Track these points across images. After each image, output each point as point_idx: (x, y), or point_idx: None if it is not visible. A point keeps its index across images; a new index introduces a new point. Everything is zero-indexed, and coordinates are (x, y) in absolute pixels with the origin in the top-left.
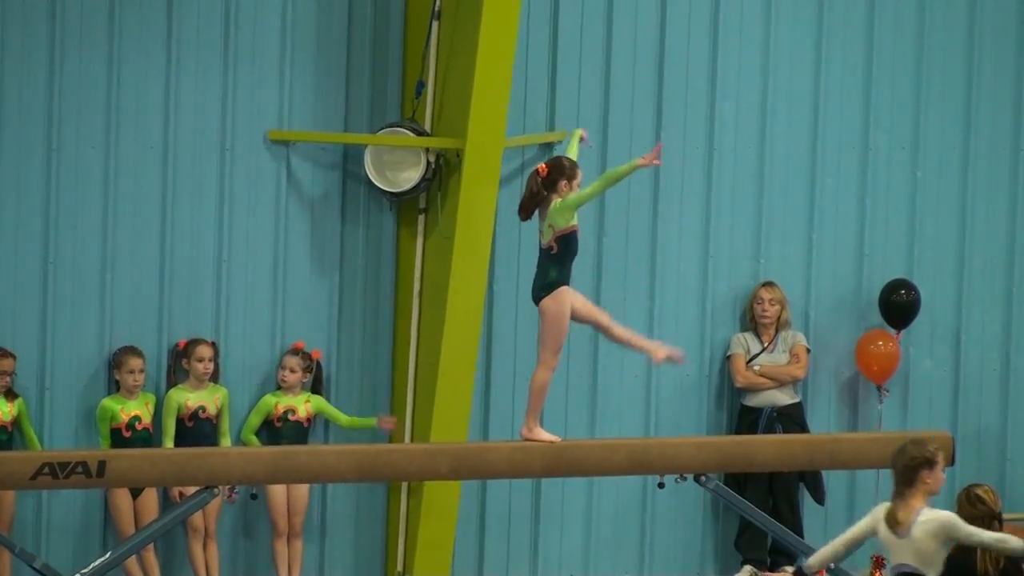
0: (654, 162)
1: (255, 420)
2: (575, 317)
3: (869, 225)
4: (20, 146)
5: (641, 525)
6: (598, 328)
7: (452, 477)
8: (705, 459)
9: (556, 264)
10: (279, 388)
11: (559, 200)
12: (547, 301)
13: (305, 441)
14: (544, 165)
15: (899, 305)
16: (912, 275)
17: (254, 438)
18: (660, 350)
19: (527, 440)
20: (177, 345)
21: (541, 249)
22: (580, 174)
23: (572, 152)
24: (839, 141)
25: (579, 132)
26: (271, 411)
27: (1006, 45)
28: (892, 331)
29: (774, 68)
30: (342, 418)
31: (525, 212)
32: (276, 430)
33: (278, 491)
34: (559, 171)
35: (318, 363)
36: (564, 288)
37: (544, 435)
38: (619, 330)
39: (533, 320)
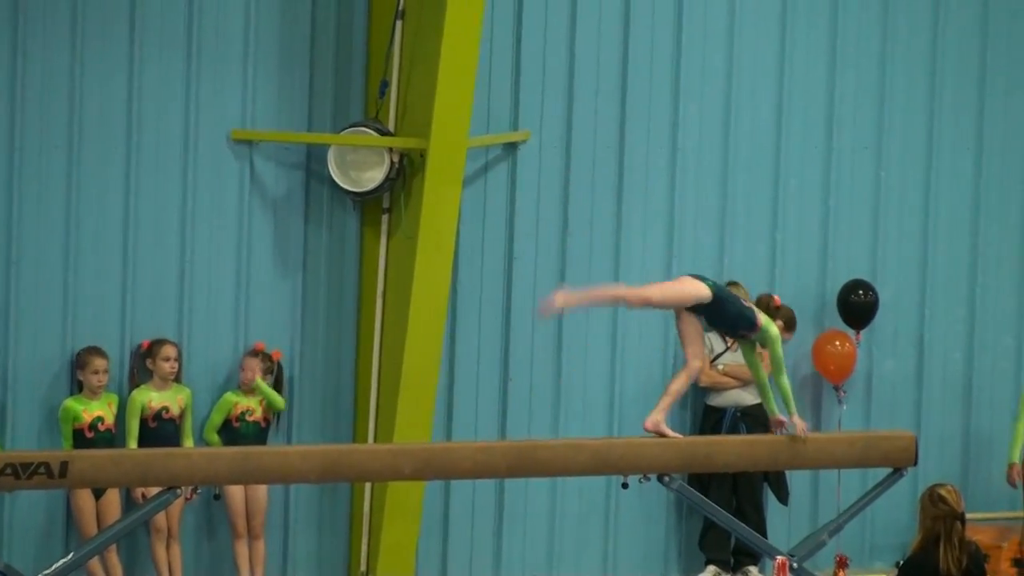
0: (803, 431)
1: (217, 418)
2: (683, 336)
3: (832, 225)
4: None
5: (605, 525)
6: (686, 359)
7: (415, 477)
8: (669, 459)
9: (731, 299)
10: (240, 388)
11: (776, 330)
12: (692, 279)
13: (264, 441)
14: (780, 301)
15: (857, 306)
16: (875, 275)
17: (216, 437)
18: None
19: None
20: (141, 345)
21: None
22: (793, 335)
23: (790, 402)
24: (802, 141)
25: (794, 422)
26: (231, 410)
27: (969, 46)
28: (852, 332)
29: (737, 69)
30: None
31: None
32: (234, 430)
33: (236, 492)
34: (785, 315)
35: (279, 364)
36: (707, 292)
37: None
38: (679, 383)
39: (496, 319)
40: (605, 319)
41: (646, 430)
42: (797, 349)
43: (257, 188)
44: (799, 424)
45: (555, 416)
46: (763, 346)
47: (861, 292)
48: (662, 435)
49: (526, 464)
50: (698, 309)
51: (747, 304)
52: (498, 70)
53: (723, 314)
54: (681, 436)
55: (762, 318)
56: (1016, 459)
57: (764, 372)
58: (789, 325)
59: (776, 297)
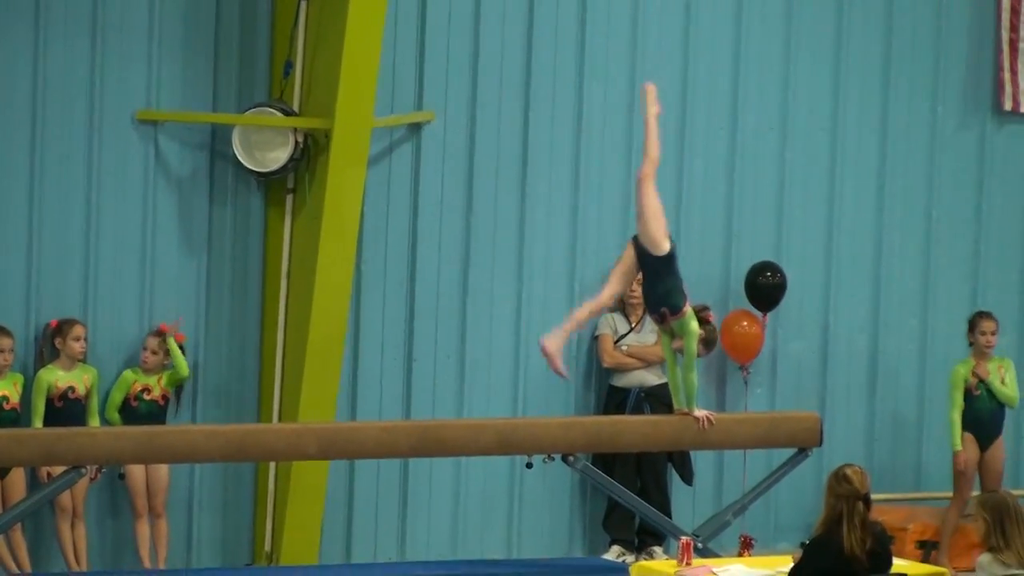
0: (708, 421)
1: (117, 397)
2: (616, 269)
3: (737, 206)
4: None
5: (509, 505)
6: (599, 294)
7: (320, 457)
8: (573, 439)
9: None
10: (140, 367)
11: (697, 329)
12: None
13: (163, 420)
14: (713, 318)
15: (765, 287)
16: (780, 256)
17: (117, 415)
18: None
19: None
20: (49, 325)
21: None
22: (709, 354)
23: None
24: (707, 122)
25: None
26: (129, 388)
27: (874, 23)
28: (759, 313)
29: (642, 48)
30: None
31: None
32: (132, 409)
33: (137, 471)
34: (710, 330)
35: (182, 347)
36: (667, 238)
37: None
38: (584, 312)
39: (400, 300)
40: (510, 300)
41: (541, 347)
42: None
43: (162, 168)
44: (699, 415)
45: (459, 397)
46: (679, 336)
47: (769, 274)
48: (550, 359)
49: (430, 444)
50: (645, 259)
51: (685, 291)
52: (402, 50)
53: (661, 278)
54: (566, 371)
55: (688, 308)
56: (960, 446)
57: (678, 369)
58: (708, 343)
59: (710, 313)
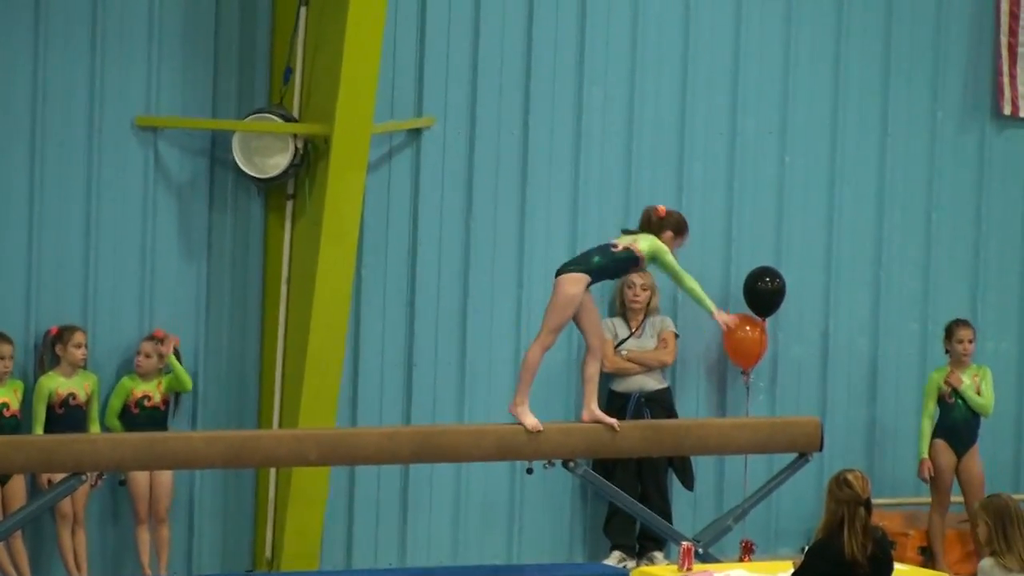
0: (727, 324)
1: (116, 403)
2: (578, 320)
3: (737, 210)
4: None
5: (510, 511)
6: (586, 344)
7: (320, 463)
8: (573, 444)
9: (602, 261)
10: (136, 373)
11: (659, 242)
12: (565, 278)
13: (164, 426)
14: (664, 209)
15: (764, 293)
16: (779, 261)
17: (117, 422)
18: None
19: (512, 413)
20: (49, 331)
21: (607, 243)
22: (688, 237)
23: (704, 303)
24: (707, 126)
25: (718, 318)
26: (128, 395)
27: (873, 27)
28: (758, 318)
29: (641, 52)
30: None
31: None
32: (133, 416)
33: (141, 477)
34: (672, 222)
35: (177, 350)
36: (586, 278)
37: (528, 417)
38: (592, 368)
39: (400, 305)
40: (509, 305)
41: (584, 423)
42: (707, 335)
43: (162, 174)
44: (722, 318)
45: (460, 402)
46: (660, 264)
47: (768, 279)
48: (601, 423)
49: (431, 450)
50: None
51: (616, 248)
52: (402, 56)
53: (608, 275)
54: (617, 421)
55: (640, 246)
56: (926, 454)
57: (688, 279)
58: (679, 230)
59: (660, 208)
